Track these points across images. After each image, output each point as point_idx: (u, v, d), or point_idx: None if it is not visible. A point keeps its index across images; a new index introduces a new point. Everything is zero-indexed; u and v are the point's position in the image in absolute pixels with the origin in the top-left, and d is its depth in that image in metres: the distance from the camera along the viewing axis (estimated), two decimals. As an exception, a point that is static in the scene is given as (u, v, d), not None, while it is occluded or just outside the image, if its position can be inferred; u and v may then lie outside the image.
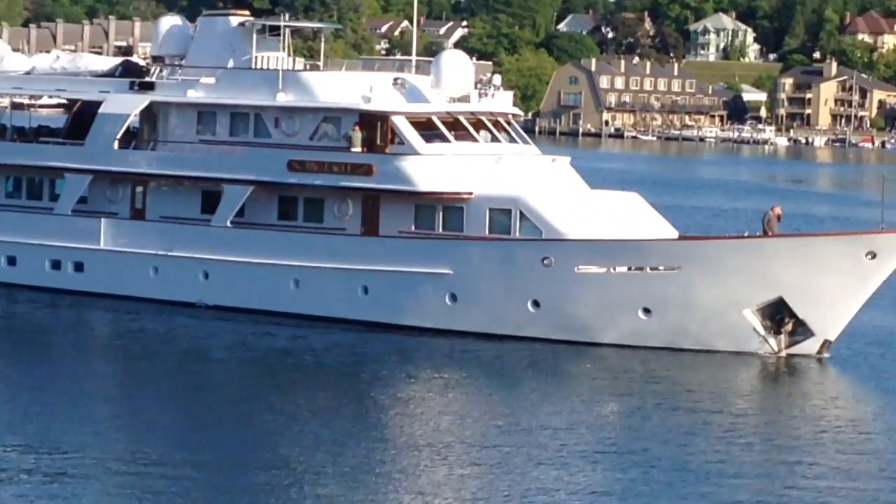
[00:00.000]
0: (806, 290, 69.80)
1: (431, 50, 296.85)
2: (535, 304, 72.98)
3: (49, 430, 52.55)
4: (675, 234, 76.80)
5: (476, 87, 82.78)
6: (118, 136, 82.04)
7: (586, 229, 73.81)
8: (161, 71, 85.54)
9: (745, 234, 76.65)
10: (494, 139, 79.39)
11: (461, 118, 78.70)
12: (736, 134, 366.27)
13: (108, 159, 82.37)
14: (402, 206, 76.39)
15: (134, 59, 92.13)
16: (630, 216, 76.55)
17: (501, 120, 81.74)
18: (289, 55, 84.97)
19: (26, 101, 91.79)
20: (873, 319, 75.73)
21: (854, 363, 71.26)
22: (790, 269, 70.37)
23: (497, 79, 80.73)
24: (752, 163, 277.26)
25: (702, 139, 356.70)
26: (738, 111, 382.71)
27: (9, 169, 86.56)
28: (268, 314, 77.42)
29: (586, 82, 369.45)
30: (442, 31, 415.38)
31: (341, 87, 79.94)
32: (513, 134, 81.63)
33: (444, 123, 77.71)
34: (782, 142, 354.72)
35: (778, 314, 70.74)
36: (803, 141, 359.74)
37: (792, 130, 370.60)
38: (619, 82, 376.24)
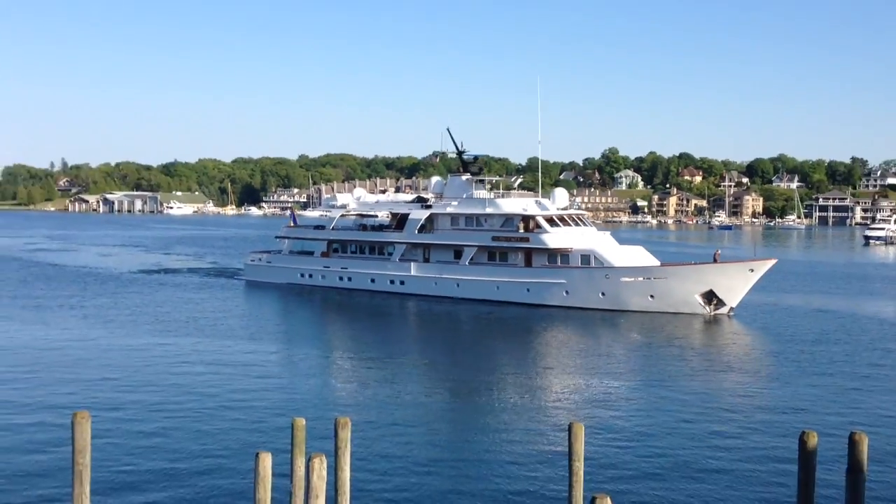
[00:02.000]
0: (723, 285, 67.71)
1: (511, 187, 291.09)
2: (603, 294, 70.19)
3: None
4: (658, 262, 72.83)
5: (570, 202, 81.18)
6: (417, 228, 79.59)
7: (624, 261, 71.17)
8: (433, 199, 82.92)
9: (693, 262, 72.92)
10: (578, 224, 75.58)
11: (564, 216, 75.99)
12: (635, 219, 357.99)
13: (413, 237, 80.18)
14: (542, 254, 73.51)
15: (422, 195, 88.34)
16: (640, 255, 73.48)
17: (579, 216, 78.23)
18: (488, 190, 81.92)
19: (374, 214, 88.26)
20: (753, 299, 71.18)
21: (745, 317, 67.08)
22: (716, 277, 67.88)
23: (578, 200, 79.22)
24: (642, 231, 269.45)
25: (620, 222, 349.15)
26: (635, 210, 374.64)
27: (371, 242, 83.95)
28: (484, 301, 74.30)
29: (572, 201, 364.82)
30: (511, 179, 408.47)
31: (513, 204, 77.21)
32: (586, 222, 77.85)
33: (557, 218, 75.11)
34: (654, 222, 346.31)
35: (711, 296, 68.14)
36: (665, 222, 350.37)
37: (658, 217, 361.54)
38: (586, 199, 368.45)
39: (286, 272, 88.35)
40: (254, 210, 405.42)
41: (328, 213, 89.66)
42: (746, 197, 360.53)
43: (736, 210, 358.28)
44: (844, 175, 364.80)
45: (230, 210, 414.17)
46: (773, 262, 69.24)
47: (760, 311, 69.43)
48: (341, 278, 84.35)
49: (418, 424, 34.41)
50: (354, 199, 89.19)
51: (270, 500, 19.01)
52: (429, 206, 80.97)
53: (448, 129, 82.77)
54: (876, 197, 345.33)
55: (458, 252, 77.83)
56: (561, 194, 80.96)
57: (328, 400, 38.73)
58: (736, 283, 67.00)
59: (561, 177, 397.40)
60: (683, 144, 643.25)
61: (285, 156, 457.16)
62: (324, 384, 42.45)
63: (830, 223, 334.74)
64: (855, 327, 61.92)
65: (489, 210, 76.80)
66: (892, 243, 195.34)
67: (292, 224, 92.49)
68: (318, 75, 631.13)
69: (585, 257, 71.03)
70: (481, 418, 35.95)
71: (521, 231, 74.45)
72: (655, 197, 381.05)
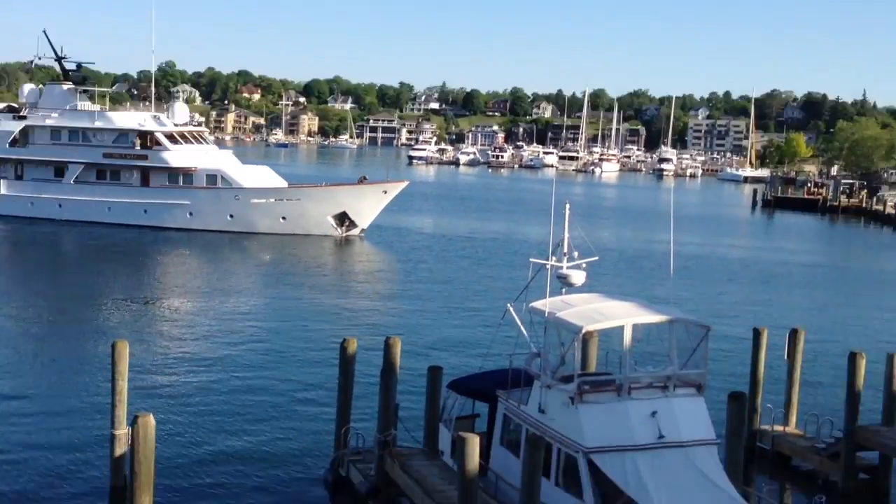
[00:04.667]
0: (356, 207, 66.56)
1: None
2: (231, 216, 66.43)
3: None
4: (285, 183, 69.79)
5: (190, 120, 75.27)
6: (8, 142, 69.29)
7: (253, 182, 67.50)
8: (27, 111, 72.07)
9: (324, 184, 71.30)
10: (200, 142, 70.66)
11: (185, 132, 70.65)
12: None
13: (3, 152, 69.89)
14: (161, 173, 67.54)
15: (11, 104, 75.81)
16: (266, 176, 70.04)
17: (200, 134, 73.66)
18: (93, 103, 73.62)
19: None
20: (384, 220, 70.59)
21: (375, 238, 66.94)
22: (349, 199, 66.89)
23: (196, 116, 73.53)
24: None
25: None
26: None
27: None
28: (92, 223, 66.90)
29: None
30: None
31: (127, 118, 70.25)
32: (207, 140, 73.68)
33: (178, 135, 69.23)
34: (212, 138, 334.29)
35: (343, 218, 66.74)
36: (223, 139, 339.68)
37: (216, 133, 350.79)
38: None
39: None
40: None
41: None
42: (303, 116, 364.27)
43: (293, 129, 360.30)
44: (393, 98, 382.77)
45: None
46: (405, 183, 69.58)
47: (389, 232, 69.96)
48: None
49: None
50: (-80, 108, 75.09)
51: None
52: (23, 118, 70.44)
53: (45, 32, 72.40)
54: (420, 120, 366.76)
55: (59, 169, 69.08)
56: (181, 109, 75.63)
57: None
58: (369, 204, 66.46)
59: (114, 88, 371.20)
60: (243, 62, 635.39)
61: None
62: None
63: (379, 143, 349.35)
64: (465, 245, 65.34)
65: (99, 124, 68.85)
66: (431, 163, 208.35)
67: None
68: None
69: (211, 177, 66.44)
70: (57, 344, 33.55)
71: (138, 148, 67.54)
72: (213, 113, 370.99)
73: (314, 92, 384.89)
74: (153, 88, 77.85)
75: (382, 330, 33.54)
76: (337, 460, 21.50)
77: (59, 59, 72.64)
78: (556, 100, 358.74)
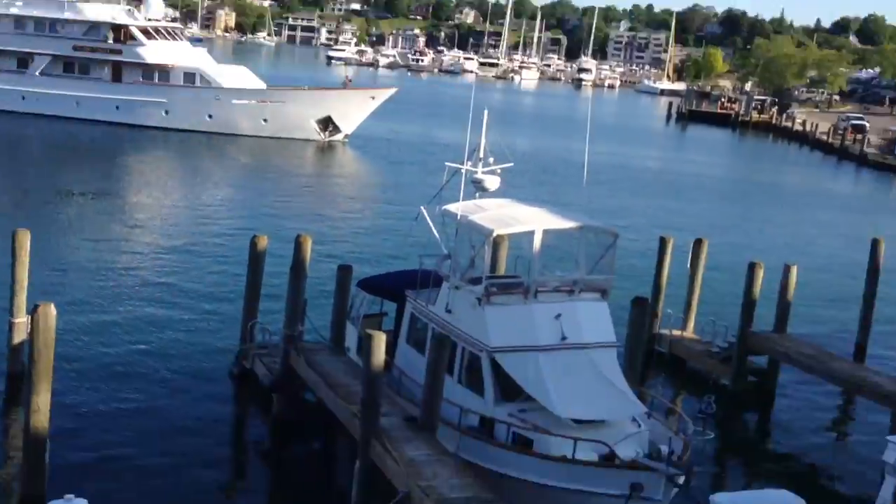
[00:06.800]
0: (341, 112, 67.84)
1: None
2: (210, 116, 66.96)
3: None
4: (264, 84, 69.87)
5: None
6: None
7: (233, 82, 67.58)
8: None
9: (307, 87, 72.40)
10: (175, 39, 70.54)
11: (160, 28, 70.00)
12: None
13: None
14: (134, 69, 67.27)
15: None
16: (245, 76, 69.78)
17: (175, 30, 73.66)
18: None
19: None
20: (370, 127, 70.95)
21: (358, 145, 68.34)
22: (335, 103, 68.11)
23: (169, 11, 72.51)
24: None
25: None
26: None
27: None
28: (58, 118, 66.44)
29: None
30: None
31: (99, 10, 69.59)
32: (182, 37, 73.43)
33: (153, 30, 68.73)
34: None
35: (327, 122, 67.71)
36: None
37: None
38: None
39: None
40: None
41: None
42: (219, 11, 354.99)
43: (208, 24, 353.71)
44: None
45: None
46: (393, 90, 69.88)
47: (374, 139, 70.46)
48: None
49: None
50: None
51: None
52: None
53: None
54: (340, 21, 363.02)
55: (23, 61, 68.13)
56: (155, 3, 73.48)
57: None
58: (355, 110, 67.21)
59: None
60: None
61: None
62: None
63: (298, 42, 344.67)
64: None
65: (69, 15, 67.73)
66: (350, 63, 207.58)
67: None
68: None
69: (189, 76, 66.44)
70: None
71: (111, 42, 67.42)
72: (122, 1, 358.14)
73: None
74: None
75: (295, 229, 32.09)
76: (242, 354, 22.01)
77: None
78: (480, 6, 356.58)
